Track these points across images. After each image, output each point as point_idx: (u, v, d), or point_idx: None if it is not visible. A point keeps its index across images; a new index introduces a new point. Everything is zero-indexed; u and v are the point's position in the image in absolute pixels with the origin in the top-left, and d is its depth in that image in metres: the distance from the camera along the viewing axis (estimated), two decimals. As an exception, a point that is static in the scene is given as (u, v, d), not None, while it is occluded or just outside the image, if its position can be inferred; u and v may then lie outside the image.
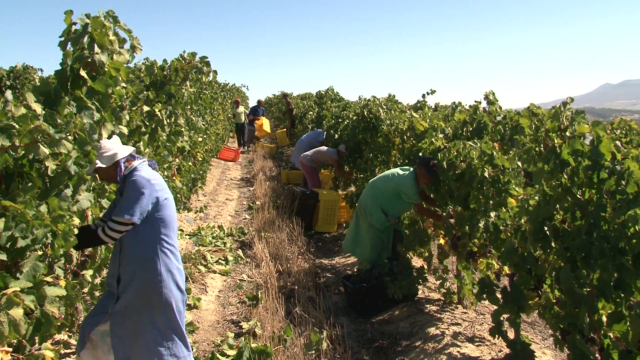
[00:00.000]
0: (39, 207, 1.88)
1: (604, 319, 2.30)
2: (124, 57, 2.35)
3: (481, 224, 3.41)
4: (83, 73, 2.11)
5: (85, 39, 2.16)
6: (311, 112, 12.34)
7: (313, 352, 3.51)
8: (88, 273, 2.88)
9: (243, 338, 3.59)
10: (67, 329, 2.83)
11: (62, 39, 2.18)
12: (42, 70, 14.59)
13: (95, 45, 2.17)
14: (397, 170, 4.45)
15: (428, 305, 4.36)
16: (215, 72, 4.26)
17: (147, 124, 3.26)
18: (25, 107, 1.84)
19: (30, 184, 1.93)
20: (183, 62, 3.75)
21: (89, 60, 2.16)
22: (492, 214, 3.36)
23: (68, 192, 2.25)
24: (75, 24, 2.19)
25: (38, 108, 1.87)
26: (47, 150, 1.89)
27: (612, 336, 2.27)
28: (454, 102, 6.03)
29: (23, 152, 1.92)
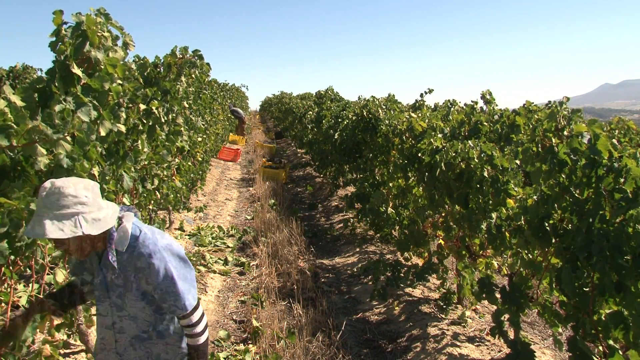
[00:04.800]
0: (30, 204, 1.86)
1: (604, 318, 2.30)
2: (119, 54, 2.33)
3: (483, 225, 3.42)
4: (77, 70, 2.10)
5: (79, 36, 2.14)
6: (311, 112, 12.35)
7: (313, 352, 3.50)
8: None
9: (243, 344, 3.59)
10: (66, 329, 2.84)
11: (53, 39, 2.16)
12: (41, 70, 14.61)
13: (89, 43, 2.15)
14: None
15: (428, 305, 4.36)
16: (208, 64, 4.22)
17: (145, 122, 3.25)
18: (4, 99, 1.82)
19: (23, 181, 1.91)
20: (175, 57, 3.72)
21: (84, 57, 2.15)
22: (494, 215, 3.36)
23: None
24: (65, 23, 2.18)
25: (17, 100, 1.85)
26: (44, 151, 1.89)
27: (612, 335, 2.26)
28: (449, 100, 6.02)
29: (21, 152, 1.92)
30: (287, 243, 5.83)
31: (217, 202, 8.84)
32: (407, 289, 4.76)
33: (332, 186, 9.32)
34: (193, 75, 3.92)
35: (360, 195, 6.32)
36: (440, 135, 4.14)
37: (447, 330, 3.83)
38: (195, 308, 1.81)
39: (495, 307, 2.94)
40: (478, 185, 3.39)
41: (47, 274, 2.60)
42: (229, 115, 15.92)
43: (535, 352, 2.71)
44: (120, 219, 1.73)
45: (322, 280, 5.24)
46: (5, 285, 2.21)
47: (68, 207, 1.54)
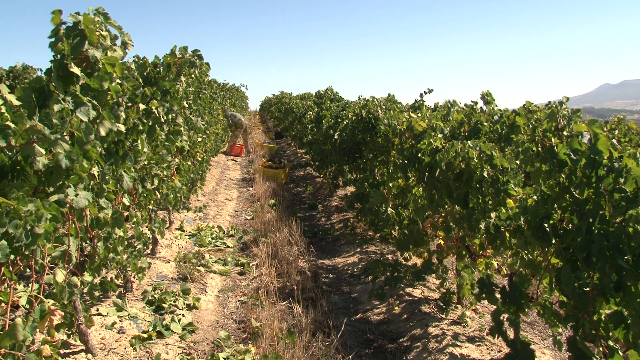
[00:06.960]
0: (28, 205, 1.86)
1: (604, 318, 2.30)
2: (118, 54, 2.33)
3: (482, 225, 3.41)
4: (75, 69, 2.10)
5: (77, 35, 2.14)
6: (310, 112, 12.35)
7: (313, 353, 3.50)
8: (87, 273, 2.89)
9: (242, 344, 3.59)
10: (66, 329, 2.84)
11: (52, 39, 2.16)
12: (41, 70, 14.57)
13: (87, 41, 2.15)
14: None
15: (428, 305, 4.36)
16: (207, 64, 4.23)
17: (145, 121, 3.25)
18: (0, 98, 1.82)
19: (22, 180, 1.91)
20: (175, 57, 3.72)
21: (83, 56, 2.15)
22: (493, 215, 3.36)
23: (70, 191, 2.19)
24: (64, 23, 2.17)
25: (13, 99, 1.85)
26: (43, 151, 1.89)
27: (613, 336, 2.26)
28: (449, 101, 6.02)
29: (19, 152, 1.92)
30: (287, 243, 5.83)
31: (217, 202, 8.84)
32: (408, 288, 4.75)
33: (332, 186, 9.33)
34: (192, 75, 3.92)
35: (360, 195, 6.32)
36: (440, 135, 4.14)
37: (448, 330, 3.83)
38: None
39: (495, 307, 2.94)
40: (478, 185, 3.39)
41: (47, 274, 2.59)
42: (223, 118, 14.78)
43: (535, 351, 2.71)
44: None
45: (322, 280, 5.23)
46: (5, 285, 2.21)
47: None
